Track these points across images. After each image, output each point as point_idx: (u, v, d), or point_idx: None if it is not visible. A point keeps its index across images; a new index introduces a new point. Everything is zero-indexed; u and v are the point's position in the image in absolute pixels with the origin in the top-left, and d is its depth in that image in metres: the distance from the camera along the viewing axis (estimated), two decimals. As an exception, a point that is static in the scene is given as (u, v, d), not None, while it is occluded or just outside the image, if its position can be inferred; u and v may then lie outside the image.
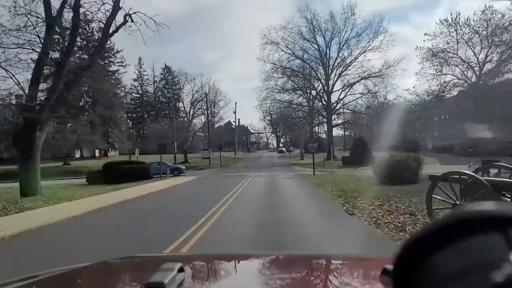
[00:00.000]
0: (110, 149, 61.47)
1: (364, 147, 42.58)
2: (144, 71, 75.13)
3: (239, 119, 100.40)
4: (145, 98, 74.29)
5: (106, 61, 64.22)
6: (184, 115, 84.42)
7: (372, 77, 49.17)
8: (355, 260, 1.93)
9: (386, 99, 50.68)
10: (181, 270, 1.05)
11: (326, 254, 3.04)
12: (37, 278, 1.45)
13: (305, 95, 59.33)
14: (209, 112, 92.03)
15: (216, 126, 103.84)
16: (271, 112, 66.01)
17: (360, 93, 51.41)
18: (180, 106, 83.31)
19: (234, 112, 73.55)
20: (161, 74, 78.79)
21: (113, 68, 64.92)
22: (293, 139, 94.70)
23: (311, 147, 28.92)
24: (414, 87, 30.43)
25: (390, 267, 0.59)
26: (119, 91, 66.38)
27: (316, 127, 73.61)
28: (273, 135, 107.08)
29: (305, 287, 1.41)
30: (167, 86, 79.45)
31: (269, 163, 50.34)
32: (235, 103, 73.81)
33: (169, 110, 68.08)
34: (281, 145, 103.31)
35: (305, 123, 59.26)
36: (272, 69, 50.78)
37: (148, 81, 76.01)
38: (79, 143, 44.30)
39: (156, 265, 1.08)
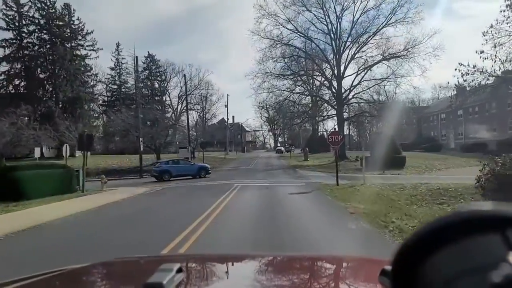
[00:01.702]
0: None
1: (392, 145, 31.32)
2: (123, 58, 63.54)
3: (233, 116, 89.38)
4: (123, 90, 62.71)
5: (73, 43, 52.79)
6: (170, 110, 73.35)
7: (397, 57, 37.78)
8: (354, 261, 1.90)
9: (413, 86, 39.22)
10: (179, 270, 1.02)
11: (325, 255, 3.02)
12: (36, 279, 1.41)
13: (307, 85, 47.91)
14: (201, 107, 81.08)
15: (209, 124, 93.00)
16: (268, 106, 54.46)
17: (379, 79, 40.05)
18: (166, 100, 72.20)
19: (226, 106, 62.33)
20: (144, 63, 67.14)
21: (82, 52, 53.34)
22: (293, 138, 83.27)
23: (333, 141, 17.57)
24: (494, 47, 18.77)
25: (388, 268, 0.57)
26: (89, 80, 54.85)
27: (320, 123, 62.17)
28: (270, 133, 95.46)
29: (305, 287, 1.37)
30: (150, 77, 67.91)
31: (266, 165, 38.89)
32: (227, 95, 62.37)
33: (153, 103, 56.36)
34: (278, 144, 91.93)
35: (308, 117, 47.75)
36: (271, 45, 39.30)
37: (127, 70, 64.40)
38: (16, 139, 32.60)
39: (155, 265, 1.08)
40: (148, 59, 68.12)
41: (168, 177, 25.44)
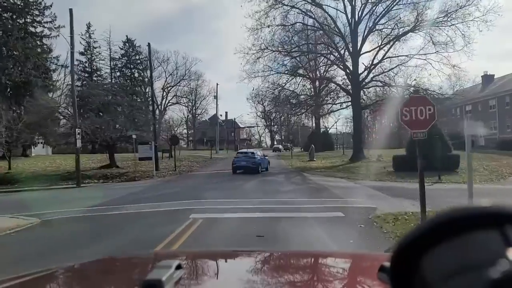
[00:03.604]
0: (33, 145, 39.89)
1: (439, 140, 21.19)
2: (95, 42, 52.95)
3: (226, 112, 79.10)
4: (95, 79, 52.12)
5: (27, 19, 42.29)
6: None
7: (440, 25, 27.45)
8: (353, 257, 1.85)
9: (451, 65, 28.87)
10: (178, 267, 0.98)
11: (324, 251, 2.93)
12: (34, 276, 1.36)
13: (309, 71, 37.60)
14: (189, 99, 70.47)
15: (200, 120, 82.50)
16: (262, 96, 43.93)
17: (406, 55, 29.76)
18: (148, 91, 61.89)
19: (215, 97, 52.00)
20: (122, 49, 56.76)
21: (38, 29, 42.85)
22: (292, 135, 73.06)
23: (414, 122, 7.26)
24: None
25: (387, 264, 0.56)
26: (48, 63, 44.33)
27: (320, 118, 51.67)
28: (266, 130, 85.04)
29: (303, 284, 1.32)
30: (129, 65, 57.56)
31: (261, 167, 28.52)
32: (216, 84, 52.09)
33: (131, 94, 45.87)
34: (275, 142, 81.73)
35: (312, 106, 37.36)
36: (270, 5, 28.52)
37: (100, 55, 53.85)
38: None
39: (154, 262, 1.03)
40: (127, 44, 57.70)
41: (261, 170, 22.78)
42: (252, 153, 24.76)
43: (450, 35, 27.83)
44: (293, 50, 32.14)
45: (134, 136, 21.69)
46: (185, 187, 15.68)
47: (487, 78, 48.94)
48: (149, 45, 25.33)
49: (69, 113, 25.22)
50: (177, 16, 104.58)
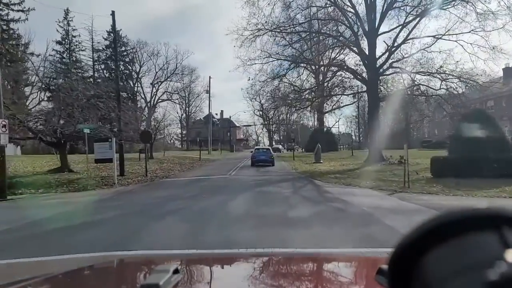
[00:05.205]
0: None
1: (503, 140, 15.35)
2: (74, 29, 47.06)
3: (222, 111, 73.29)
4: (74, 71, 46.21)
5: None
6: (143, 101, 57.50)
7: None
8: (351, 260, 1.81)
9: (490, 46, 23.05)
10: (176, 271, 0.96)
11: (323, 253, 2.88)
12: (32, 281, 1.33)
13: (310, 61, 31.63)
14: (180, 96, 64.41)
15: (194, 119, 76.52)
16: (260, 89, 37.93)
17: (434, 36, 23.87)
18: (137, 86, 56.35)
19: (207, 92, 46.12)
20: (106, 39, 50.98)
21: (4, 12, 37.01)
22: (290, 135, 67.13)
23: None
24: None
25: (385, 266, 0.54)
26: (16, 52, 38.41)
27: (328, 112, 45.67)
28: (265, 129, 79.04)
29: (301, 287, 1.30)
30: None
31: (258, 172, 22.70)
32: (209, 77, 46.21)
33: (114, 88, 39.78)
34: (273, 142, 75.85)
35: (317, 98, 31.41)
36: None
37: (80, 45, 47.96)
38: None
39: (151, 266, 1.01)
40: (112, 34, 51.66)
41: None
42: (268, 149, 29.39)
43: (491, 8, 22.13)
44: (295, 31, 26.36)
45: (86, 131, 15.78)
46: (133, 209, 9.74)
47: (509, 71, 43.17)
48: (113, 13, 19.36)
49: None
50: (172, 17, 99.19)
